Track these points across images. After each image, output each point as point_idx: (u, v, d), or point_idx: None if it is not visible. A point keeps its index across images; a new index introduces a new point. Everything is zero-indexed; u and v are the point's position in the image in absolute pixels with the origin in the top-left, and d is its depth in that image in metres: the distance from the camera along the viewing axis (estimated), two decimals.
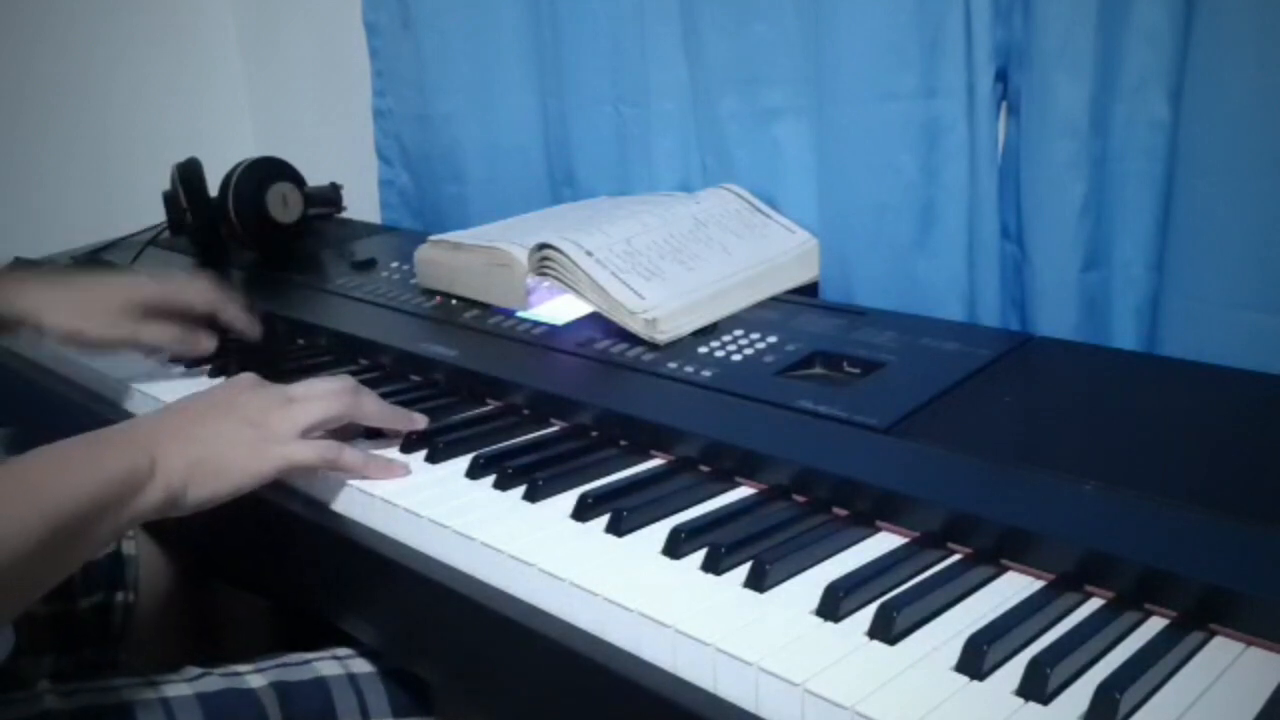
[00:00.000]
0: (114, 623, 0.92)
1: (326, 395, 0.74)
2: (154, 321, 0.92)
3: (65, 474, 0.61)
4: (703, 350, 0.84)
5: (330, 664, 0.74)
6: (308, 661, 0.74)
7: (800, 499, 0.66)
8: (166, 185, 1.27)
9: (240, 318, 0.98)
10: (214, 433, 0.69)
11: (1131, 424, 0.68)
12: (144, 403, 0.90)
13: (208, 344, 0.94)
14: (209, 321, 0.96)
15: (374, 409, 0.76)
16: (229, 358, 0.96)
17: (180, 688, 0.69)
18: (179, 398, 0.75)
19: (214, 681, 0.70)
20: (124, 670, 0.71)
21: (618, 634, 0.55)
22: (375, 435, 0.78)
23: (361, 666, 0.74)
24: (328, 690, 0.72)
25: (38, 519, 0.56)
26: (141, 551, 0.95)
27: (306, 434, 0.71)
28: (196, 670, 0.71)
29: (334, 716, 0.71)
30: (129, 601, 0.93)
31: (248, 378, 0.75)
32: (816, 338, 0.84)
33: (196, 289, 0.96)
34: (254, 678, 0.71)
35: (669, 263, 0.93)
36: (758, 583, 0.57)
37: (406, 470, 0.73)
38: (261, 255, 1.28)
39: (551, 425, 0.80)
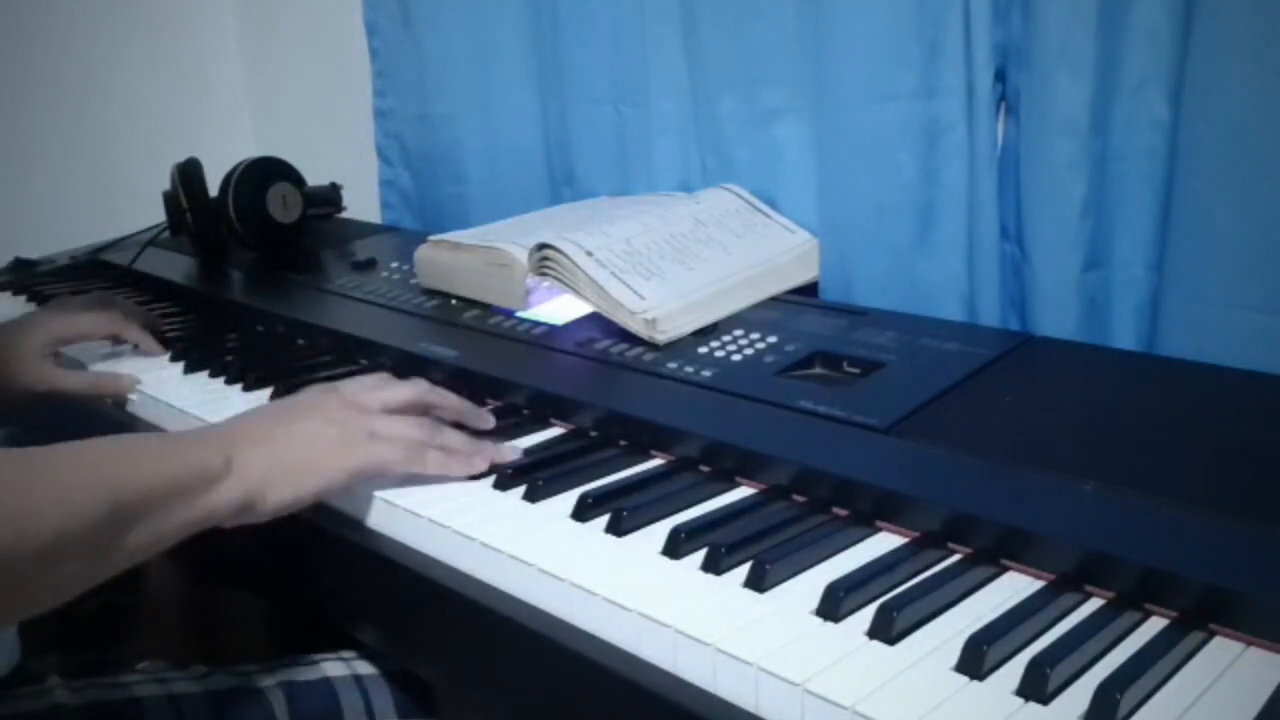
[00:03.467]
0: (119, 622, 0.92)
1: (406, 404, 0.73)
2: (71, 370, 0.94)
3: (135, 458, 0.60)
4: (703, 350, 0.84)
5: (337, 665, 0.74)
6: (315, 662, 0.74)
7: (800, 499, 0.66)
8: (166, 185, 1.27)
9: (142, 338, 1.00)
10: (295, 432, 0.67)
11: (1131, 424, 0.68)
12: (146, 404, 0.90)
13: (127, 384, 0.93)
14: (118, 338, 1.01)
15: (450, 396, 0.76)
16: (234, 360, 0.96)
17: (189, 685, 0.69)
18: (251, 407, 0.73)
19: (222, 680, 0.70)
20: (124, 670, 0.71)
21: (618, 634, 0.55)
22: None
23: (367, 668, 0.75)
24: (334, 690, 0.72)
25: (106, 492, 0.56)
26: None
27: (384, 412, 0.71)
28: (205, 668, 0.71)
29: (340, 717, 0.71)
30: (134, 602, 0.94)
31: (325, 385, 0.73)
32: (816, 338, 0.84)
33: (92, 320, 0.98)
34: (262, 677, 0.71)
35: (669, 263, 0.93)
36: (758, 583, 0.57)
37: (485, 465, 0.71)
38: (261, 255, 1.28)
39: (551, 425, 0.80)
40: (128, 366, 0.97)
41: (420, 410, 0.73)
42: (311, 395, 0.72)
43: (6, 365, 0.90)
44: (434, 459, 0.70)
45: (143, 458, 0.61)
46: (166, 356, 1.00)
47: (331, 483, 0.67)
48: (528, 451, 0.75)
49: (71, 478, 0.56)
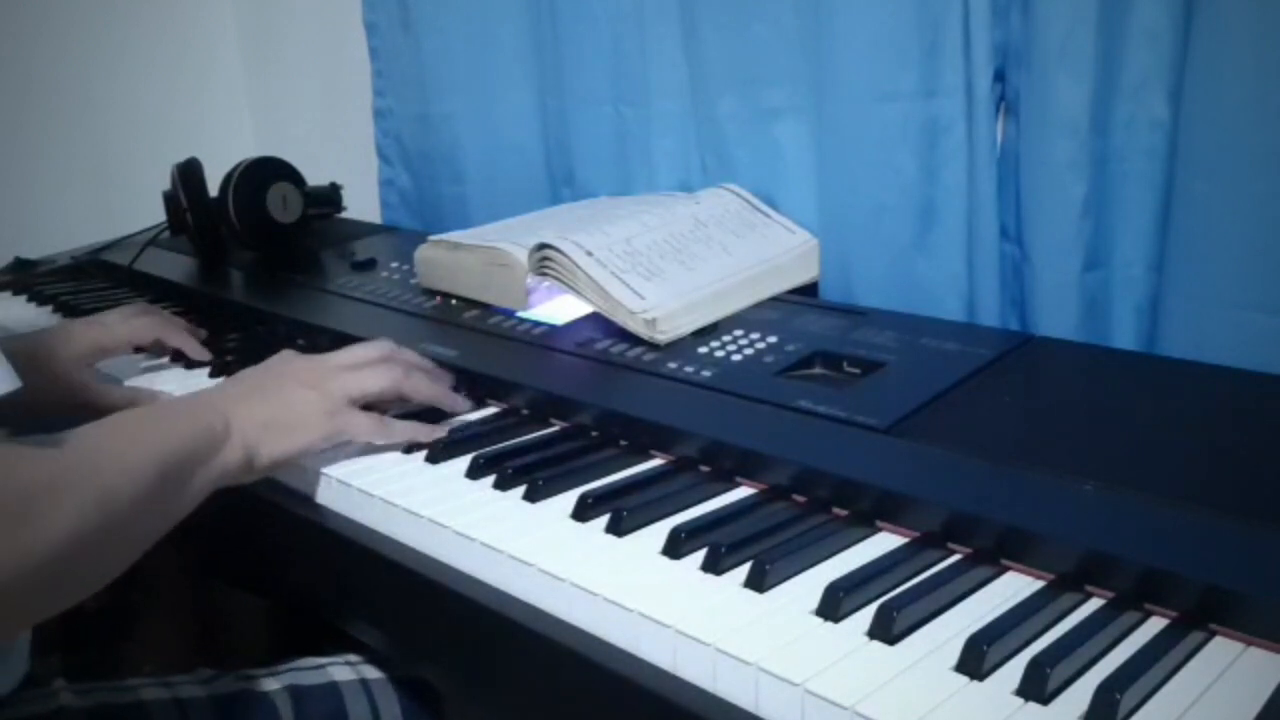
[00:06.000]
0: (121, 623, 0.92)
1: (376, 366, 0.76)
2: (108, 384, 0.91)
3: (158, 427, 0.64)
4: (703, 350, 0.84)
5: (343, 669, 0.74)
6: (321, 666, 0.74)
7: (800, 499, 0.66)
8: (166, 185, 1.27)
9: (185, 342, 0.97)
10: (278, 395, 0.72)
11: (1131, 424, 0.68)
12: None
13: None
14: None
15: (423, 386, 0.78)
16: (229, 358, 0.96)
17: (194, 689, 0.69)
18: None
19: (228, 684, 0.70)
20: (137, 670, 0.71)
21: (617, 634, 0.55)
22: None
23: (373, 672, 0.75)
24: (340, 695, 0.72)
25: (155, 461, 0.60)
26: (148, 552, 0.95)
27: (356, 403, 0.74)
28: (210, 672, 0.71)
29: None
30: (137, 602, 0.94)
31: (290, 352, 0.78)
32: (816, 338, 0.84)
33: (134, 327, 0.95)
34: (268, 681, 0.71)
35: (669, 263, 0.93)
36: (758, 583, 0.57)
37: (444, 432, 0.77)
38: (261, 255, 1.28)
39: (551, 425, 0.80)
40: (166, 382, 0.93)
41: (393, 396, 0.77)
42: (289, 362, 0.76)
43: (43, 373, 0.86)
44: (404, 432, 0.76)
45: (164, 425, 0.65)
46: (207, 371, 0.96)
47: (312, 443, 0.72)
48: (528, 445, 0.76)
49: (128, 451, 0.60)
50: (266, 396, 0.71)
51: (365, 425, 0.74)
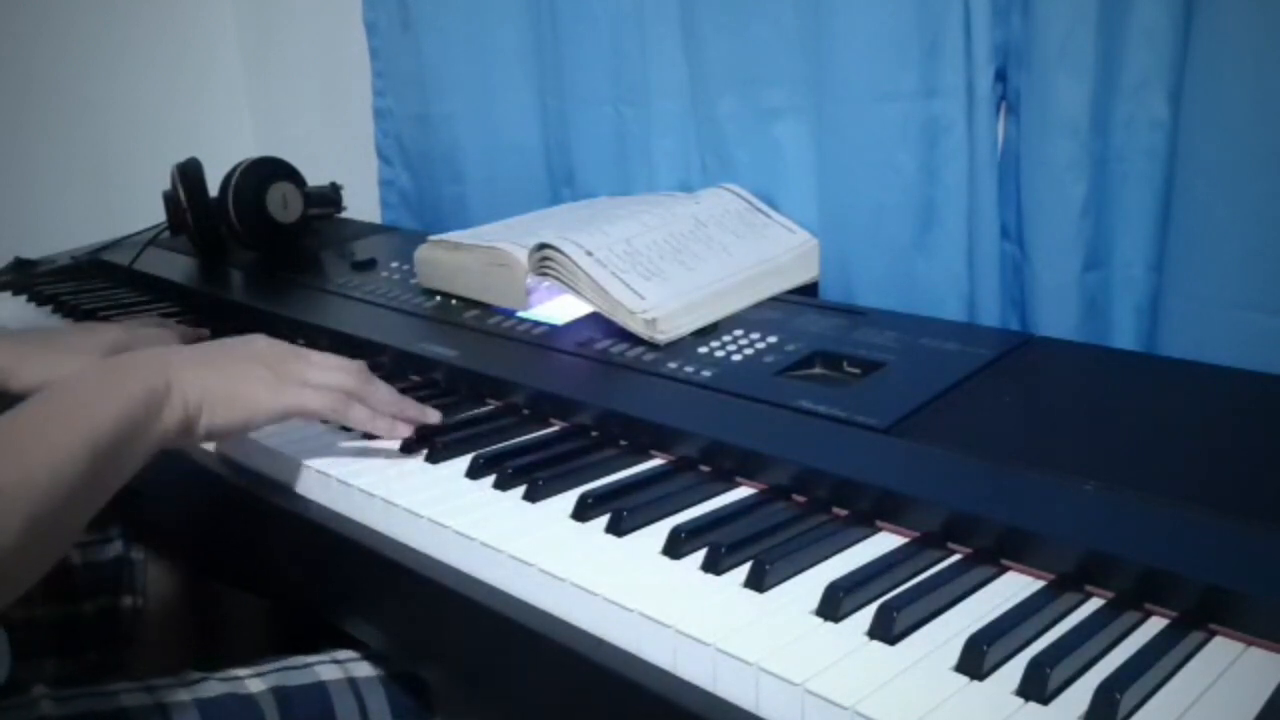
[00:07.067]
0: (119, 627, 0.92)
1: (340, 366, 0.75)
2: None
3: (95, 399, 0.62)
4: (703, 350, 0.84)
5: (330, 668, 0.74)
6: (308, 665, 0.74)
7: (800, 499, 0.66)
8: (166, 185, 1.27)
9: None
10: (230, 365, 0.70)
11: (1131, 424, 0.68)
12: None
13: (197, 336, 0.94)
14: None
15: (383, 395, 0.76)
16: None
17: (179, 693, 0.68)
18: None
19: (213, 687, 0.70)
20: (123, 675, 0.70)
21: (618, 634, 0.55)
22: (370, 437, 0.78)
23: (362, 670, 0.74)
24: (328, 695, 0.72)
25: (80, 442, 0.58)
26: (146, 555, 0.95)
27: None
28: (196, 675, 0.71)
29: None
30: (135, 605, 0.93)
31: (260, 335, 0.77)
32: (816, 338, 0.84)
33: (149, 335, 0.94)
34: (253, 682, 0.71)
35: (669, 263, 0.93)
36: (758, 583, 0.57)
37: (409, 431, 0.76)
38: (261, 255, 1.28)
39: (551, 425, 0.80)
40: None
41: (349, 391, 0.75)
42: (254, 338, 0.75)
43: (61, 363, 0.84)
44: (358, 412, 0.74)
45: (103, 394, 0.63)
46: None
47: (256, 417, 0.70)
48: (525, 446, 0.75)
49: (56, 438, 0.58)
50: (216, 365, 0.70)
51: (317, 401, 0.72)
